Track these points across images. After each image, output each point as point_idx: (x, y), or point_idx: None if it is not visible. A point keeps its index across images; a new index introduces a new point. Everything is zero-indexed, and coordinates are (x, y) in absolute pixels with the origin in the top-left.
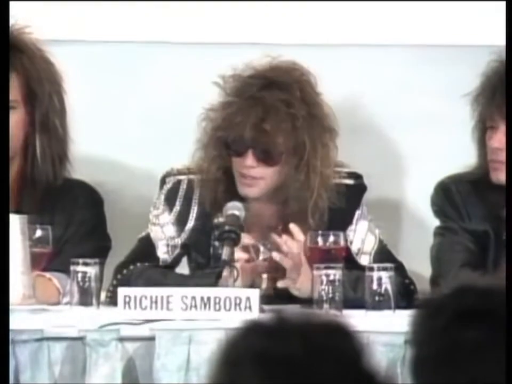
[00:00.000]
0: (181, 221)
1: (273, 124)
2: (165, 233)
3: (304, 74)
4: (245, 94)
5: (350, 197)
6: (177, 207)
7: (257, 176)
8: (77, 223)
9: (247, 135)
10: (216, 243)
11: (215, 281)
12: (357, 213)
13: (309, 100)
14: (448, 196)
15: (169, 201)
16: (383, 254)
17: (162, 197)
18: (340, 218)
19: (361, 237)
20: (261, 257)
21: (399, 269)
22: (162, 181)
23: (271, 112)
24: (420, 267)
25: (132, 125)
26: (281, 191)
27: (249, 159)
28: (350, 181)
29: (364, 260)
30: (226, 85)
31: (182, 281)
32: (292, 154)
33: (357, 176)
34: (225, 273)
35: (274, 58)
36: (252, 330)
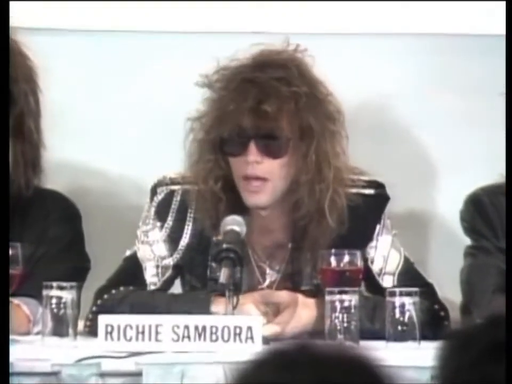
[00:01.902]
0: (173, 239)
1: (275, 105)
2: (154, 253)
3: (298, 53)
4: (234, 82)
5: (369, 209)
6: (169, 222)
7: (263, 176)
8: (49, 240)
9: (245, 123)
10: (214, 264)
11: (210, 307)
12: (378, 227)
13: (308, 79)
14: (480, 210)
15: (161, 215)
16: (409, 274)
17: (153, 210)
18: (359, 234)
19: (383, 254)
20: (267, 281)
21: (428, 292)
22: (153, 192)
23: (270, 91)
24: (450, 291)
25: (117, 126)
26: (291, 192)
27: (252, 153)
28: (369, 191)
29: (387, 282)
30: (213, 82)
31: (171, 301)
32: (299, 141)
33: (377, 185)
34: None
35: (267, 46)
36: (268, 361)
